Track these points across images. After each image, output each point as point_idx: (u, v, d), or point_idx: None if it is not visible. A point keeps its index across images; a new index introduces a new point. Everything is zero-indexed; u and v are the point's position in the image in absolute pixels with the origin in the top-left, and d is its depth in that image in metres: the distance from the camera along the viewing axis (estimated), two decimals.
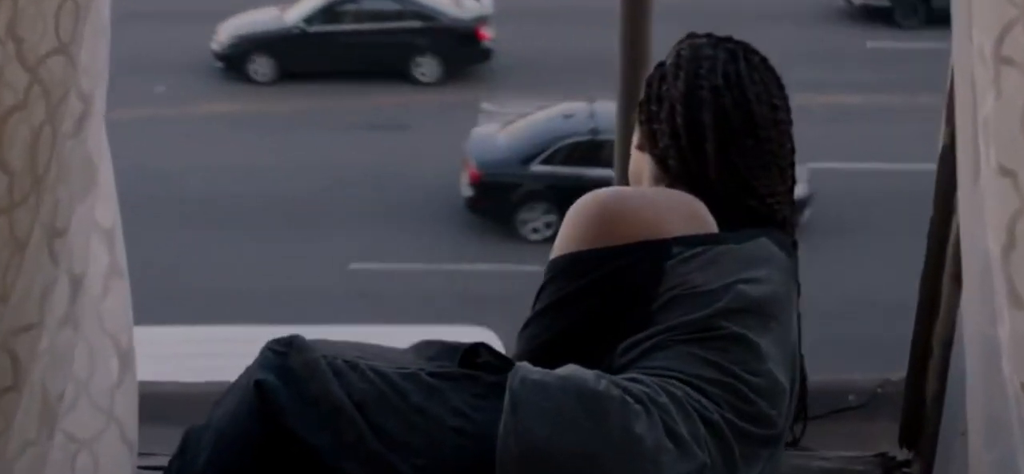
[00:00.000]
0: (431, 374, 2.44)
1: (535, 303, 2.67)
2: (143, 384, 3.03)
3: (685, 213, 2.63)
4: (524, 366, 2.43)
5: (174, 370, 10.96)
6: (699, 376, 2.48)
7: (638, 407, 2.36)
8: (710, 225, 2.63)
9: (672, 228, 2.59)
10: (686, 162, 2.71)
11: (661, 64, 2.82)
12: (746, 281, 2.58)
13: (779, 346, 2.60)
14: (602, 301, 2.57)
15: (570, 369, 2.43)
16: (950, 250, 3.14)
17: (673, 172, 2.73)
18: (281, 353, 2.52)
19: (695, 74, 2.73)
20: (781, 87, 2.78)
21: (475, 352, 2.54)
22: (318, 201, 18.57)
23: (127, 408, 2.90)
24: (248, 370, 2.55)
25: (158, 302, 15.37)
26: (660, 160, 2.75)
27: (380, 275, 16.78)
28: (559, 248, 2.63)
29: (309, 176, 19.30)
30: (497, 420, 2.32)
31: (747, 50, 2.79)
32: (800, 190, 17.61)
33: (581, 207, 2.63)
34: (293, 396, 2.42)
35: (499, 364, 2.49)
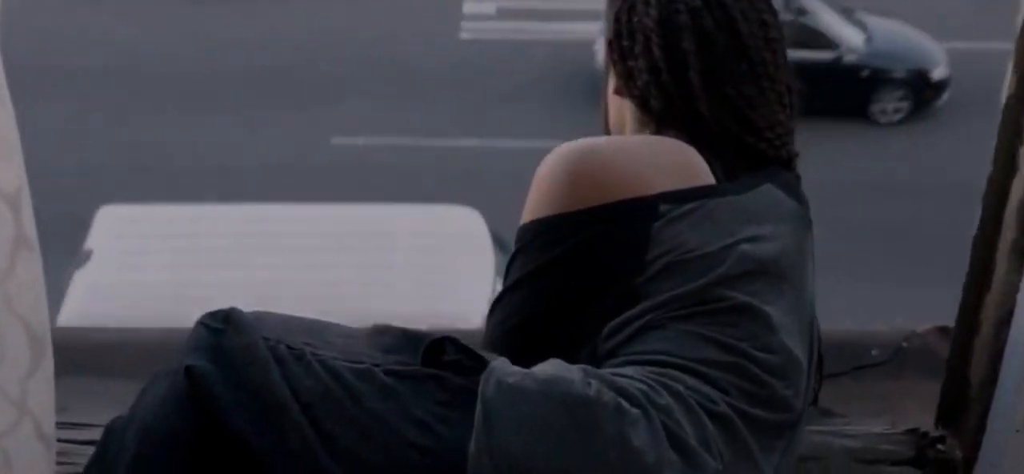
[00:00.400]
0: (389, 373, 2.17)
1: (507, 274, 2.39)
2: (87, 331, 2.79)
3: (673, 162, 2.28)
4: (498, 367, 2.09)
5: (160, 250, 10.99)
6: (701, 359, 2.15)
7: (635, 412, 2.02)
8: (703, 174, 2.28)
9: (658, 182, 2.24)
10: (671, 99, 2.38)
11: None
12: (750, 239, 2.23)
13: (793, 313, 2.26)
14: (579, 274, 2.24)
15: (553, 368, 2.09)
16: (1011, 216, 2.73)
17: (657, 113, 2.40)
18: (216, 330, 2.26)
19: None
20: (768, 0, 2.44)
21: (440, 347, 2.22)
22: (298, 74, 18.44)
23: (42, 400, 2.52)
24: (178, 348, 2.27)
25: (141, 181, 15.33)
26: (641, 101, 2.43)
27: (364, 150, 16.71)
28: (527, 213, 2.33)
29: (286, 47, 19.14)
30: (467, 436, 2.01)
31: None
32: (939, 72, 17.81)
33: (548, 165, 2.29)
34: (229, 384, 2.15)
35: (468, 362, 2.17)
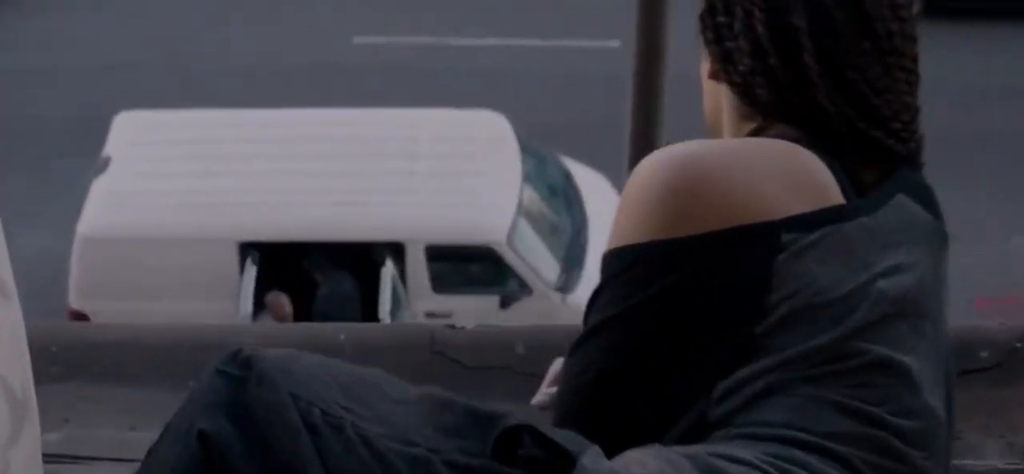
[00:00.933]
0: (450, 464, 1.73)
1: (588, 313, 1.95)
2: (89, 328, 2.53)
3: (795, 175, 1.87)
4: (590, 467, 1.71)
5: (178, 156, 10.76)
6: (833, 433, 1.77)
7: None
8: (829, 189, 1.88)
9: (780, 202, 1.83)
10: (780, 88, 1.95)
11: None
12: (886, 272, 1.86)
13: (932, 353, 1.92)
14: (682, 318, 1.83)
15: (656, 462, 1.72)
16: None
17: (764, 104, 1.97)
18: (236, 379, 1.80)
19: None
20: None
21: (516, 436, 1.75)
22: None
23: (27, 471, 2.11)
24: (192, 400, 1.84)
25: (164, 85, 15.10)
26: (743, 91, 1.99)
27: (385, 49, 16.44)
28: (618, 236, 1.90)
29: None
30: None
31: None
32: None
33: (643, 177, 1.87)
34: (251, 452, 1.74)
35: (550, 459, 1.73)
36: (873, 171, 1.96)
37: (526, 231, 11.39)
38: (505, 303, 11.17)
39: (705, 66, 2.08)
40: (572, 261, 11.64)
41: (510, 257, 11.13)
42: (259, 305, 10.95)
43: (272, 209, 11.18)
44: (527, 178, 11.81)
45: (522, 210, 11.45)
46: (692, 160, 1.86)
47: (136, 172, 11.42)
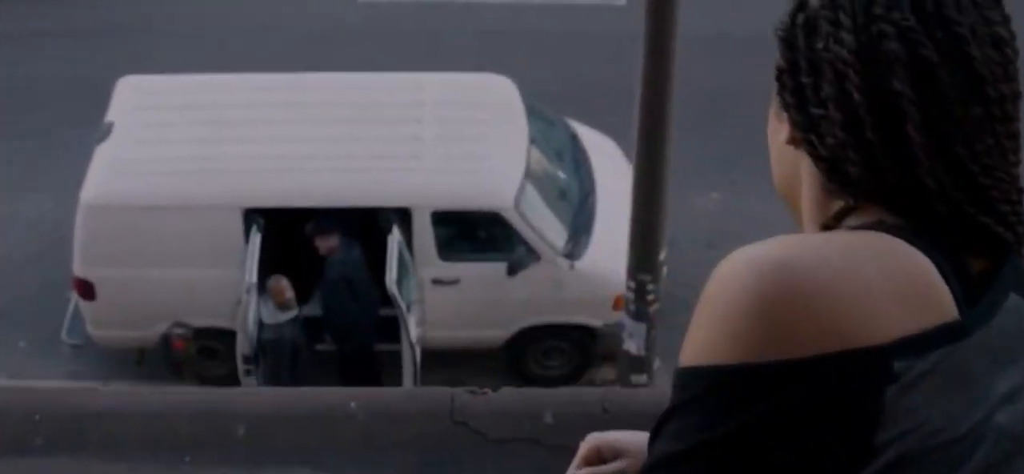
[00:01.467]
0: None
1: (654, 439, 1.70)
2: (65, 392, 2.27)
3: (905, 284, 1.61)
4: None
5: (181, 122, 10.64)
6: None
7: None
8: (942, 298, 1.62)
9: (889, 320, 1.57)
10: (877, 165, 1.68)
11: (800, 3, 1.78)
12: (1006, 398, 1.64)
13: None
14: (775, 457, 1.58)
15: None
16: None
17: (856, 183, 1.70)
18: None
19: (867, 12, 1.69)
20: (1001, 6, 1.76)
21: None
22: None
23: None
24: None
25: (167, 49, 14.94)
26: (832, 165, 1.71)
27: (391, 9, 16.26)
28: (694, 351, 1.63)
29: None
30: None
31: None
32: None
33: (730, 286, 1.60)
34: None
35: None
36: (979, 261, 1.71)
37: (533, 196, 11.27)
38: (512, 270, 11.05)
39: (778, 127, 1.81)
40: (580, 227, 11.51)
41: (517, 222, 11.00)
42: (264, 273, 10.85)
43: (276, 175, 11.05)
44: (534, 142, 11.67)
45: (529, 175, 11.32)
46: (790, 267, 1.57)
47: (139, 138, 11.29)
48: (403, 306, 10.45)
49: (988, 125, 1.68)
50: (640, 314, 10.21)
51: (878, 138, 1.67)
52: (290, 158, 11.10)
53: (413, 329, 10.67)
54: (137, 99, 11.71)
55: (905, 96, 1.65)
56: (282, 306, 10.47)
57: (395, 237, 10.61)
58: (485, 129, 11.55)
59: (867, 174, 1.69)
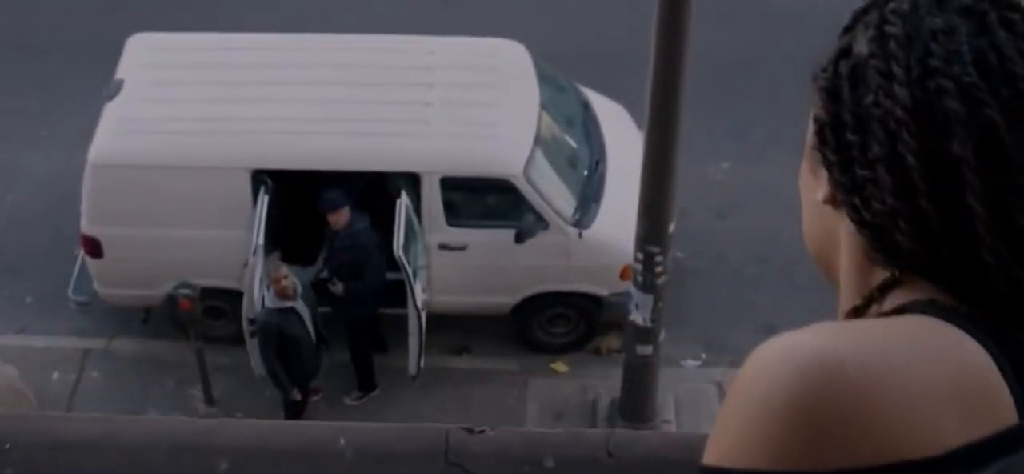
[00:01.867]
0: None
1: None
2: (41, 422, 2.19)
3: (962, 385, 1.44)
4: None
5: (191, 81, 10.58)
6: None
7: None
8: (1000, 399, 1.45)
9: (947, 428, 1.41)
10: (930, 237, 1.50)
11: (845, 48, 1.59)
12: None
13: None
14: None
15: None
16: None
17: (905, 256, 1.52)
18: None
19: (923, 64, 1.50)
20: None
21: None
22: None
23: None
24: None
25: (178, 7, 14.85)
26: (879, 234, 1.54)
27: None
28: (722, 452, 1.47)
29: None
30: None
31: (1000, 3, 1.54)
32: None
33: (767, 386, 1.43)
34: None
35: None
36: None
37: (543, 163, 11.20)
38: (520, 237, 11.00)
39: (814, 183, 1.63)
40: (589, 195, 11.45)
41: (526, 190, 10.94)
42: (272, 235, 10.81)
43: (285, 137, 10.99)
44: (545, 108, 11.59)
45: (539, 142, 11.24)
46: (836, 366, 1.39)
47: (148, 97, 11.24)
48: (409, 271, 10.42)
49: None
50: (648, 286, 10.16)
51: (933, 207, 1.48)
52: (299, 120, 11.04)
53: (419, 294, 10.63)
54: (147, 57, 11.65)
55: (965, 162, 1.46)
56: (279, 295, 10.33)
57: (403, 202, 10.56)
58: (496, 95, 11.47)
59: (918, 246, 1.50)
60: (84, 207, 11.15)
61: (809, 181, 1.65)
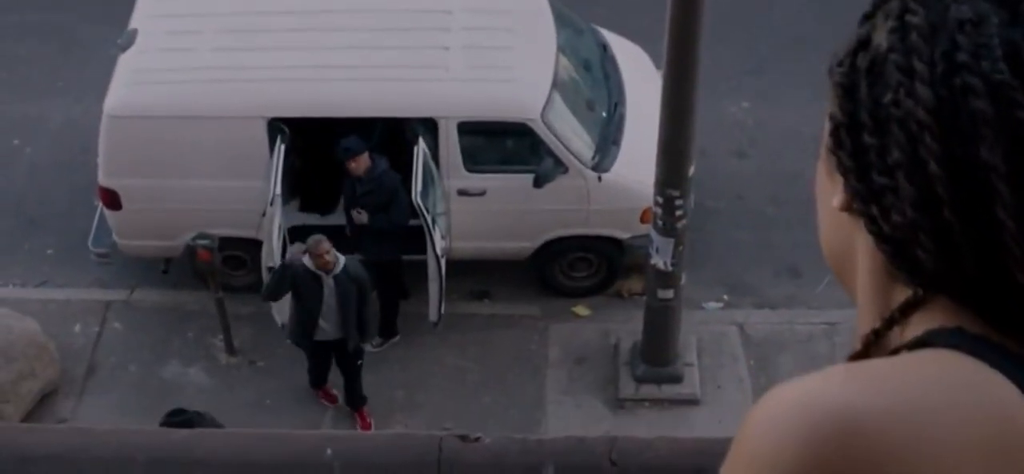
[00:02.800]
0: None
1: None
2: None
3: (989, 436, 1.31)
4: None
5: (205, 30, 10.48)
6: None
7: None
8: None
9: None
10: (957, 257, 1.35)
11: (864, 40, 1.44)
12: None
13: None
14: None
15: None
16: None
17: (928, 274, 1.38)
18: None
19: (949, 60, 1.35)
20: None
21: None
22: None
23: None
24: None
25: None
26: (898, 249, 1.40)
27: None
28: None
29: None
30: None
31: None
32: None
33: (781, 435, 1.30)
34: None
35: None
36: None
37: (561, 107, 11.11)
38: (539, 182, 10.93)
39: (830, 187, 1.49)
40: (608, 138, 11.36)
41: (544, 133, 10.86)
42: (290, 185, 10.76)
43: (301, 85, 10.92)
44: (562, 51, 11.48)
45: (557, 85, 11.15)
46: (854, 421, 1.26)
47: (162, 47, 11.17)
48: (429, 218, 10.37)
49: None
50: (668, 229, 10.09)
51: (958, 220, 1.33)
52: (315, 67, 10.97)
53: (438, 241, 10.59)
54: (161, 6, 11.57)
55: (995, 169, 1.31)
56: (319, 268, 10.15)
57: (421, 148, 10.50)
58: (513, 38, 11.37)
59: (942, 263, 1.35)
60: (101, 159, 11.12)
61: (825, 185, 1.50)
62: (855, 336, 1.46)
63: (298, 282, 10.24)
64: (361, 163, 10.67)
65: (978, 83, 1.31)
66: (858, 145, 1.40)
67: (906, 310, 1.41)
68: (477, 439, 2.16)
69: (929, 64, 1.34)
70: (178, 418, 9.14)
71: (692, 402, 10.99)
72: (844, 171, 1.43)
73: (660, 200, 9.96)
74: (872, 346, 1.42)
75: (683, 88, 9.36)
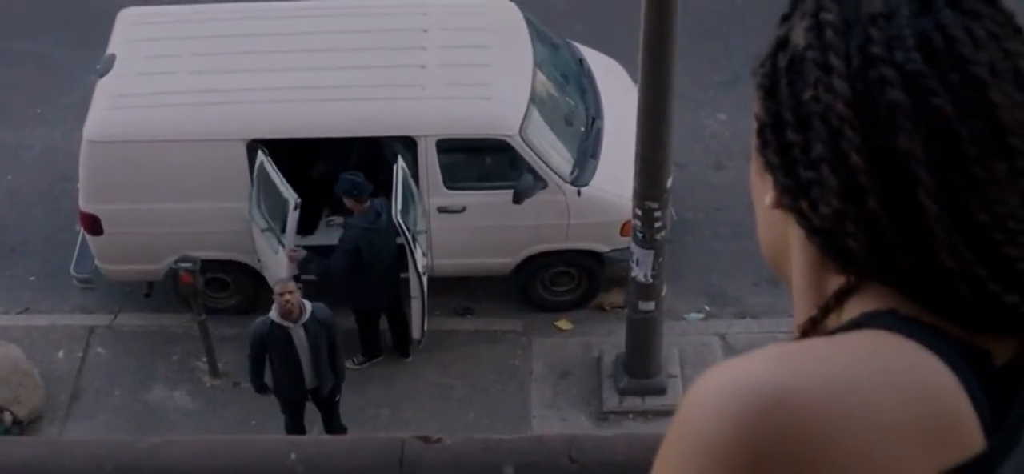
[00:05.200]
0: None
1: None
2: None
3: (924, 411, 1.32)
4: None
5: (183, 54, 10.50)
6: None
7: None
8: (965, 423, 1.34)
9: (907, 465, 1.31)
10: (883, 240, 1.38)
11: (782, 40, 1.48)
12: None
13: None
14: None
15: None
16: None
17: (858, 261, 1.41)
18: None
19: (863, 53, 1.39)
20: (1022, 34, 1.44)
21: None
22: None
23: None
24: None
25: None
26: (828, 239, 1.42)
27: None
28: None
29: None
30: None
31: None
32: None
33: (712, 417, 1.31)
34: None
35: None
36: (1005, 345, 1.41)
37: (539, 122, 11.17)
38: (518, 197, 10.98)
39: (763, 186, 1.50)
40: (586, 152, 11.42)
41: (523, 149, 10.92)
42: (270, 208, 10.79)
43: (280, 106, 10.96)
44: (540, 67, 11.54)
45: (535, 101, 11.21)
46: (786, 400, 1.27)
47: (140, 71, 11.20)
48: (409, 236, 10.41)
49: (1013, 182, 1.36)
50: (647, 241, 10.15)
51: (883, 208, 1.36)
52: (294, 88, 11.01)
53: (420, 258, 10.63)
54: (138, 31, 11.61)
55: (914, 157, 1.34)
56: (281, 310, 9.88)
57: (400, 167, 10.54)
58: (490, 55, 11.43)
59: (871, 250, 1.38)
60: (82, 184, 11.15)
61: (757, 184, 1.53)
62: (793, 327, 1.50)
63: (268, 342, 10.02)
64: (358, 205, 10.60)
65: (893, 74, 1.35)
66: (783, 143, 1.43)
67: (840, 297, 1.44)
68: (439, 440, 2.19)
69: (845, 59, 1.38)
70: None
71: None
72: (772, 169, 1.46)
73: (639, 213, 10.02)
74: (809, 334, 1.45)
75: (659, 101, 9.43)
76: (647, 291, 10.46)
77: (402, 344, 11.48)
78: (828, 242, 1.42)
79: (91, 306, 12.03)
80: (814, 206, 1.41)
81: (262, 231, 10.71)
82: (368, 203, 10.61)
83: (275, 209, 10.80)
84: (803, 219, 1.43)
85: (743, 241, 12.10)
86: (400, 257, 10.63)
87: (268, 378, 10.31)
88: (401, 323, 11.35)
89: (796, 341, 1.46)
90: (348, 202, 10.66)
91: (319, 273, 10.91)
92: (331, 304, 10.34)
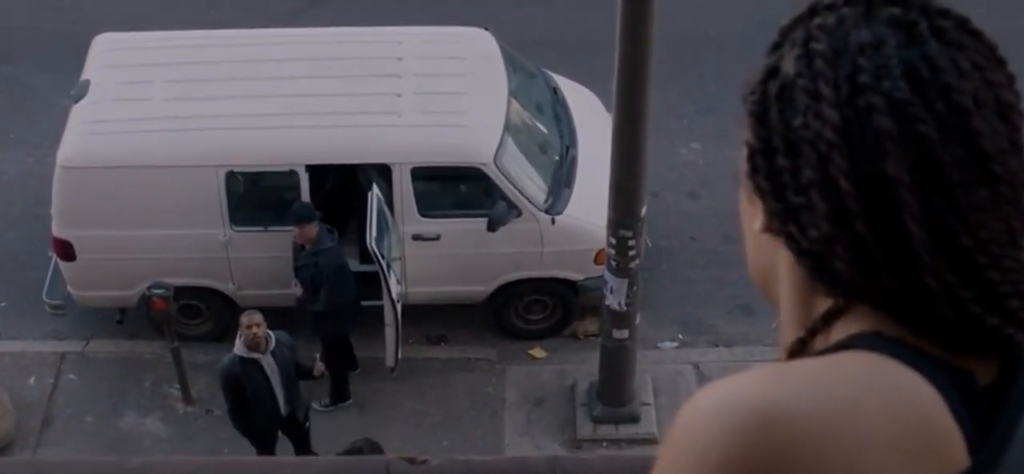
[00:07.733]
0: None
1: None
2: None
3: (909, 430, 1.38)
4: None
5: (158, 80, 10.46)
6: None
7: None
8: (950, 441, 1.39)
9: None
10: (872, 265, 1.43)
11: (772, 68, 1.53)
12: None
13: None
14: None
15: None
16: None
17: (846, 283, 1.46)
18: None
19: (852, 82, 1.44)
20: (1004, 65, 1.49)
21: None
22: None
23: None
24: None
25: (146, 3, 14.76)
26: (816, 263, 1.48)
27: None
28: None
29: None
30: None
31: (930, 12, 1.48)
32: None
33: (704, 434, 1.37)
34: None
35: None
36: (987, 367, 1.46)
37: (513, 151, 11.18)
38: (493, 225, 10.98)
39: (752, 211, 1.55)
40: (560, 181, 11.44)
41: (498, 177, 10.93)
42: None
43: (255, 133, 10.94)
44: (514, 95, 11.56)
45: (509, 129, 11.23)
46: (775, 417, 1.33)
47: (115, 97, 11.18)
48: (384, 263, 10.40)
49: (996, 208, 1.41)
50: (621, 270, 10.17)
51: (870, 232, 1.41)
52: (268, 115, 11.00)
53: (394, 286, 10.62)
54: (113, 57, 11.59)
55: (901, 182, 1.39)
56: (248, 343, 9.80)
57: (375, 194, 10.54)
58: (464, 83, 11.45)
59: (858, 273, 1.43)
60: (54, 210, 11.10)
61: (748, 209, 1.58)
62: (780, 349, 1.55)
63: (242, 378, 9.95)
64: (307, 232, 10.61)
65: (880, 101, 1.40)
66: (773, 168, 1.48)
67: (828, 319, 1.49)
68: (424, 461, 2.21)
69: (834, 87, 1.43)
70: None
71: (650, 441, 11.04)
72: (762, 194, 1.51)
73: (613, 241, 10.03)
74: (797, 355, 1.50)
75: (634, 129, 9.46)
76: (621, 319, 10.47)
77: (339, 390, 11.38)
78: (816, 265, 1.46)
79: (63, 332, 11.97)
80: (803, 230, 1.46)
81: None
82: (316, 230, 10.61)
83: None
84: (792, 242, 1.48)
85: (717, 270, 12.14)
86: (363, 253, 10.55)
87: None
88: (343, 371, 11.31)
89: (786, 361, 1.51)
90: (296, 232, 10.63)
91: (328, 313, 10.81)
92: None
